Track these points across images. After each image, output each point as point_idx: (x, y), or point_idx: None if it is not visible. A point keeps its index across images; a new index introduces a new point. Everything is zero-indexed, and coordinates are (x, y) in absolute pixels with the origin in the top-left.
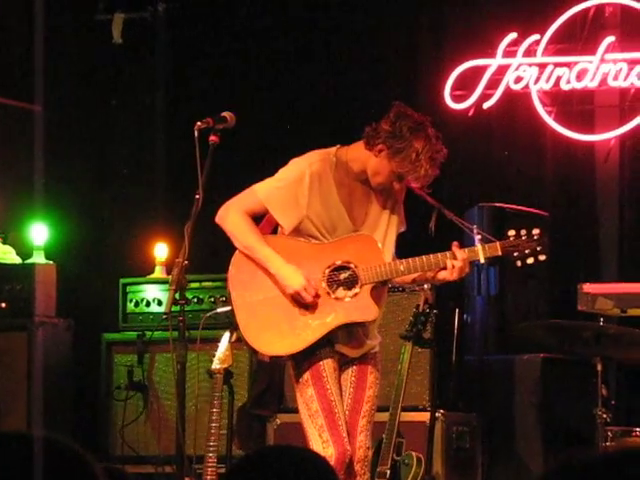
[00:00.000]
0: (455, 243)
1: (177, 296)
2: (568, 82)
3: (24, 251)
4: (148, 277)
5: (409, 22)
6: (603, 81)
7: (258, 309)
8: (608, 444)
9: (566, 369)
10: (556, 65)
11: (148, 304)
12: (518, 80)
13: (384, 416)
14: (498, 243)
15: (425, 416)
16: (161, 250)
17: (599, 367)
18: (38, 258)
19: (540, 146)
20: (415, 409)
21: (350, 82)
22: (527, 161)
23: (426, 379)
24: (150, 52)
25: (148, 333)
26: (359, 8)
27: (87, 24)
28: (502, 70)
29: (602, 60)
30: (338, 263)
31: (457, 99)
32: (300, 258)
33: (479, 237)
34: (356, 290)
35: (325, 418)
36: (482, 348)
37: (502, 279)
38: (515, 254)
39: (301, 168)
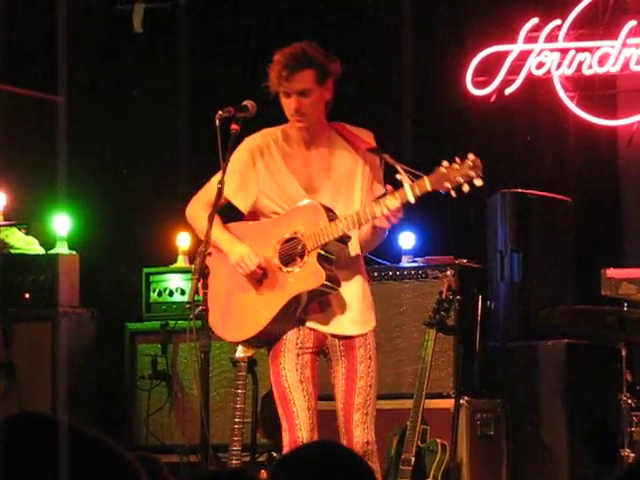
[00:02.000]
0: (388, 187)
1: (200, 285)
2: (590, 67)
3: (47, 242)
4: (171, 266)
5: (430, 7)
6: (625, 66)
7: (222, 297)
8: (634, 429)
9: (590, 355)
10: (578, 50)
11: (171, 293)
12: (540, 66)
13: (408, 403)
14: (426, 178)
15: (449, 403)
16: (184, 239)
17: (624, 352)
18: (61, 248)
19: (562, 131)
20: (439, 396)
21: (370, 67)
22: (549, 147)
23: (450, 366)
24: (171, 42)
25: (171, 322)
26: None
27: (108, 14)
28: (524, 56)
29: (624, 45)
30: (286, 236)
31: (479, 85)
32: (252, 238)
33: (400, 177)
34: (305, 259)
35: (281, 407)
36: (506, 334)
37: (525, 266)
38: (447, 185)
39: (240, 148)
